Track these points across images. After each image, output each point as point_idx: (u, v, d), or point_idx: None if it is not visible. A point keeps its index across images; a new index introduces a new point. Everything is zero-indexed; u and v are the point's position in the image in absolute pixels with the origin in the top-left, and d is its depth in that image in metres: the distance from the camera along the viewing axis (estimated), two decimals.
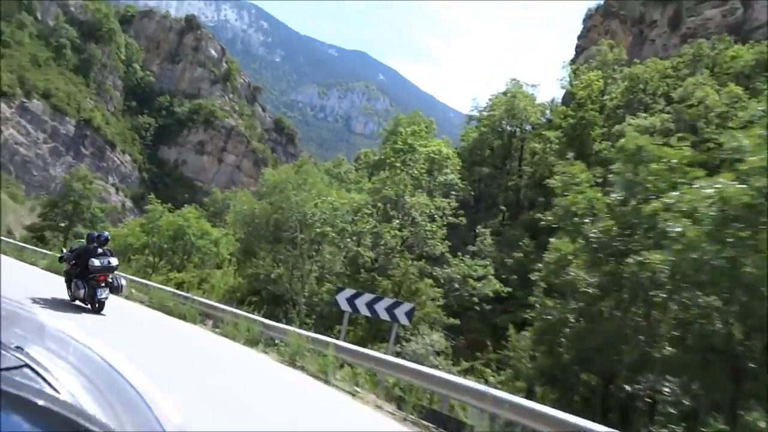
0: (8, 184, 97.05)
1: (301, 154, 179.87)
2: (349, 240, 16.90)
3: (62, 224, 32.88)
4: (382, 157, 39.75)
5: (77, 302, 12.46)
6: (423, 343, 13.43)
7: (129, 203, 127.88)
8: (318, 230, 16.13)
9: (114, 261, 12.60)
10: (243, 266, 18.28)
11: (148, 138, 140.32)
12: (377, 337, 14.76)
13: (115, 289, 12.54)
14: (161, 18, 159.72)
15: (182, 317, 14.52)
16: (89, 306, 12.23)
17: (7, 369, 0.75)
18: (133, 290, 17.40)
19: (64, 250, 14.62)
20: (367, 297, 11.47)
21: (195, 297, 15.11)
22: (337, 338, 11.48)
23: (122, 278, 13.32)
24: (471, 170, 44.67)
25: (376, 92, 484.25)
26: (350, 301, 11.39)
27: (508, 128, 47.40)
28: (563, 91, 52.33)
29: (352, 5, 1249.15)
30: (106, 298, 12.26)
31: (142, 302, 16.54)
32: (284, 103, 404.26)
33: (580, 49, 74.27)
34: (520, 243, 32.59)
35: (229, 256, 24.17)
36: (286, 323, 14.31)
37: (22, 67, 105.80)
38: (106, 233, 13.80)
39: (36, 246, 24.65)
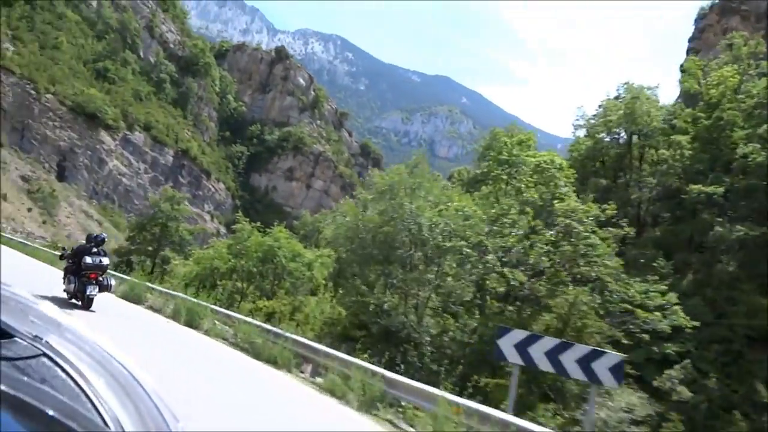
0: (112, 212, 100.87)
1: None
2: (487, 258, 12.91)
3: (149, 248, 31.26)
4: (484, 170, 35.70)
5: (73, 300, 12.93)
6: (614, 407, 9.21)
7: (223, 229, 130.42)
8: (442, 244, 12.35)
9: (105, 260, 13.24)
10: (344, 292, 14.70)
11: (240, 166, 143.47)
12: (542, 395, 10.63)
13: (105, 287, 13.06)
14: (253, 50, 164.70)
15: (272, 361, 11.03)
16: (79, 302, 12.71)
17: (25, 358, 0.76)
18: (216, 322, 14.20)
19: (66, 249, 15.13)
20: (548, 342, 7.37)
21: (288, 334, 11.57)
22: (500, 406, 7.54)
23: (111, 278, 13.80)
24: (584, 183, 39.62)
25: (459, 116, 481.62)
26: (521, 348, 7.35)
27: (624, 135, 41.98)
28: (673, 96, 46.14)
29: (434, 32, 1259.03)
30: (95, 295, 12.80)
31: (225, 338, 13.28)
32: (368, 130, 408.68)
33: (693, 53, 67.26)
34: (654, 264, 27.34)
35: (324, 281, 20.89)
36: (406, 370, 10.51)
37: (125, 102, 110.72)
38: (104, 235, 14.44)
39: (123, 271, 22.31)
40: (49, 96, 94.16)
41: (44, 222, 71.96)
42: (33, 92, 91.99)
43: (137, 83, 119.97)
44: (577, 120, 47.98)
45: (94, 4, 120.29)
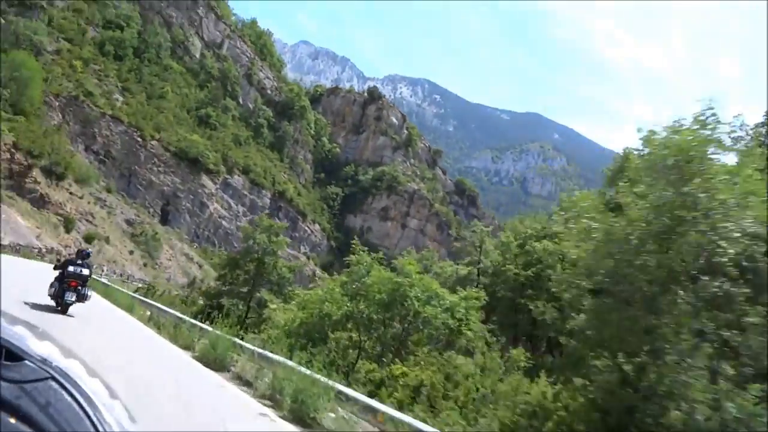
0: (212, 255, 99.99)
1: (483, 216, 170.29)
2: None
3: (243, 289, 26.22)
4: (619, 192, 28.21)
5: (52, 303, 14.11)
6: None
7: (318, 271, 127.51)
8: None
9: (86, 272, 14.62)
10: (580, 372, 7.99)
11: (335, 207, 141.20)
12: None
13: (82, 296, 14.39)
14: (346, 93, 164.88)
15: None
16: (58, 307, 13.87)
17: (33, 381, 0.76)
18: (345, 415, 8.09)
19: (59, 261, 17.25)
20: None
21: None
22: None
23: (91, 291, 14.99)
24: None
25: (551, 152, 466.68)
26: None
27: None
28: None
29: (522, 70, 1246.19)
30: (72, 302, 14.05)
31: None
32: (459, 170, 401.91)
33: None
34: None
35: (490, 337, 14.60)
36: None
37: (225, 146, 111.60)
38: (89, 250, 16.68)
39: (208, 318, 16.88)
40: (154, 142, 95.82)
41: (145, 264, 70.67)
42: (139, 139, 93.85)
43: (237, 128, 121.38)
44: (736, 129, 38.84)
45: (198, 55, 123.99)
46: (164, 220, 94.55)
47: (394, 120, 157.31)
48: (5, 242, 38.35)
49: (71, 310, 14.14)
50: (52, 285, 14.33)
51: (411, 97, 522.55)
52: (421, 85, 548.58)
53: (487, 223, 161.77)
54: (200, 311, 23.34)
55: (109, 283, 30.28)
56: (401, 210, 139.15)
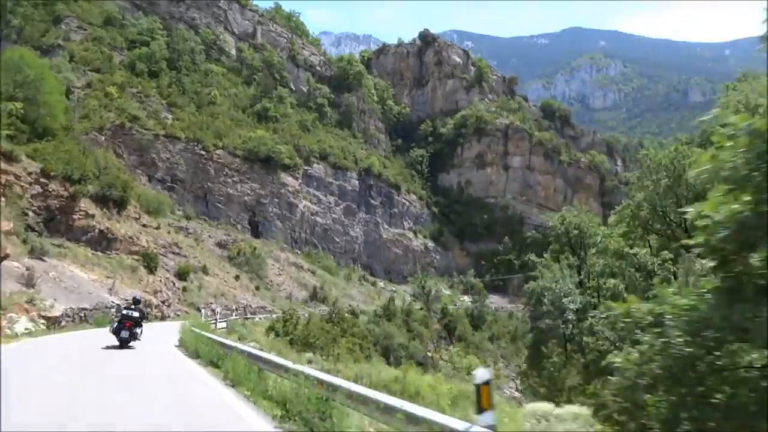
0: (318, 257, 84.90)
1: (582, 134, 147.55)
2: None
3: None
4: None
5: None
6: None
7: (431, 243, 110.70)
8: None
9: (135, 314, 17.18)
10: None
11: (424, 171, 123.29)
12: None
13: (134, 335, 16.96)
14: (396, 48, 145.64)
15: None
16: (118, 341, 16.68)
17: None
18: None
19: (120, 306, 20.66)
20: None
21: None
22: None
23: (142, 331, 17.35)
24: None
25: (603, 60, 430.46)
26: None
27: None
28: None
29: None
30: (126, 338, 16.64)
31: None
32: None
33: None
34: None
35: None
36: None
37: (293, 137, 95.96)
38: (138, 295, 20.86)
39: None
40: (219, 152, 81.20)
41: (257, 288, 55.64)
42: (203, 152, 79.39)
43: (298, 115, 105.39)
44: None
45: (233, 51, 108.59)
46: (255, 233, 79.97)
47: (457, 59, 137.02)
48: (57, 312, 22.94)
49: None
50: (111, 324, 17.64)
51: None
52: (450, 38, 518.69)
53: (590, 140, 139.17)
54: None
55: (227, 340, 14.99)
56: (498, 151, 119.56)
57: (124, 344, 16.51)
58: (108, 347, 16.20)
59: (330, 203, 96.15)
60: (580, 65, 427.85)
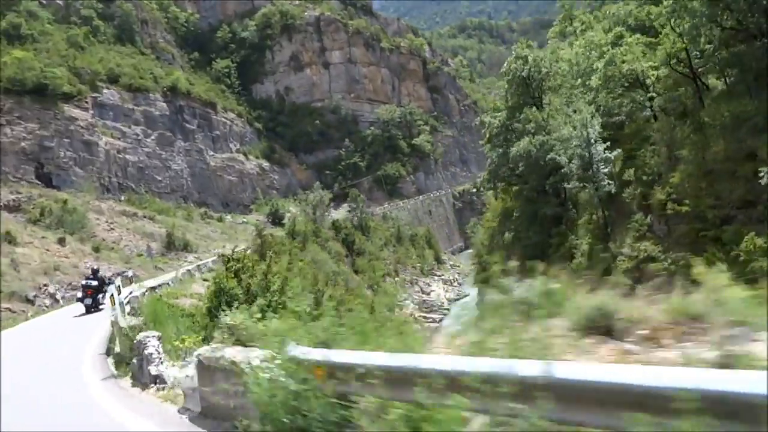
0: (144, 202, 67.33)
1: (388, 20, 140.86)
2: None
3: None
4: None
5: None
6: None
7: (266, 164, 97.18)
8: None
9: (94, 282, 20.23)
10: None
11: (234, 84, 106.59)
12: None
13: (96, 302, 19.89)
14: None
15: None
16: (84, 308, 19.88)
17: None
18: None
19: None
20: None
21: None
22: None
23: (106, 301, 18.01)
24: None
25: None
26: None
27: None
28: None
29: None
30: (90, 305, 19.76)
31: None
32: None
33: None
34: None
35: None
36: None
37: (64, 58, 73.00)
38: (96, 267, 24.44)
39: None
40: None
41: (97, 249, 39.76)
42: None
43: (61, 32, 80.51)
44: None
45: None
46: (50, 186, 59.64)
47: None
48: None
49: None
50: (78, 293, 21.32)
51: None
52: None
53: (396, 28, 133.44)
54: None
55: None
56: (313, 48, 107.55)
57: (89, 310, 19.63)
58: (76, 316, 18.90)
59: (138, 135, 76.94)
60: None
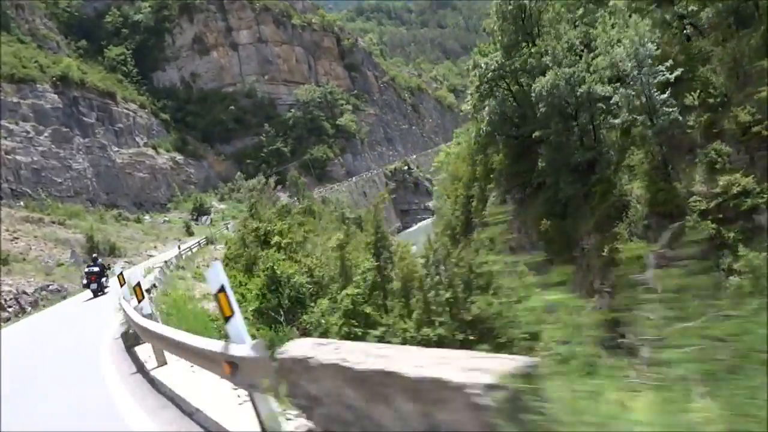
0: (50, 207, 57.95)
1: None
2: None
3: None
4: None
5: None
6: None
7: (179, 157, 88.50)
8: None
9: (95, 268, 21.69)
10: None
11: (133, 72, 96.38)
12: None
13: (101, 286, 21.35)
14: None
15: None
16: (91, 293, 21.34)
17: None
18: None
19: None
20: None
21: None
22: None
23: (108, 286, 21.46)
24: None
25: None
26: None
27: None
28: None
29: None
30: (95, 289, 21.16)
31: None
32: None
33: None
34: None
35: None
36: None
37: None
38: (94, 255, 25.28)
39: None
40: None
41: (5, 262, 32.18)
42: None
43: None
44: None
45: None
46: None
47: None
48: None
49: None
50: (81, 280, 22.78)
51: None
52: None
53: (302, 5, 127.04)
54: None
55: None
56: (218, 28, 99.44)
57: (96, 294, 20.95)
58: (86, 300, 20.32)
59: (28, 132, 66.67)
60: None
